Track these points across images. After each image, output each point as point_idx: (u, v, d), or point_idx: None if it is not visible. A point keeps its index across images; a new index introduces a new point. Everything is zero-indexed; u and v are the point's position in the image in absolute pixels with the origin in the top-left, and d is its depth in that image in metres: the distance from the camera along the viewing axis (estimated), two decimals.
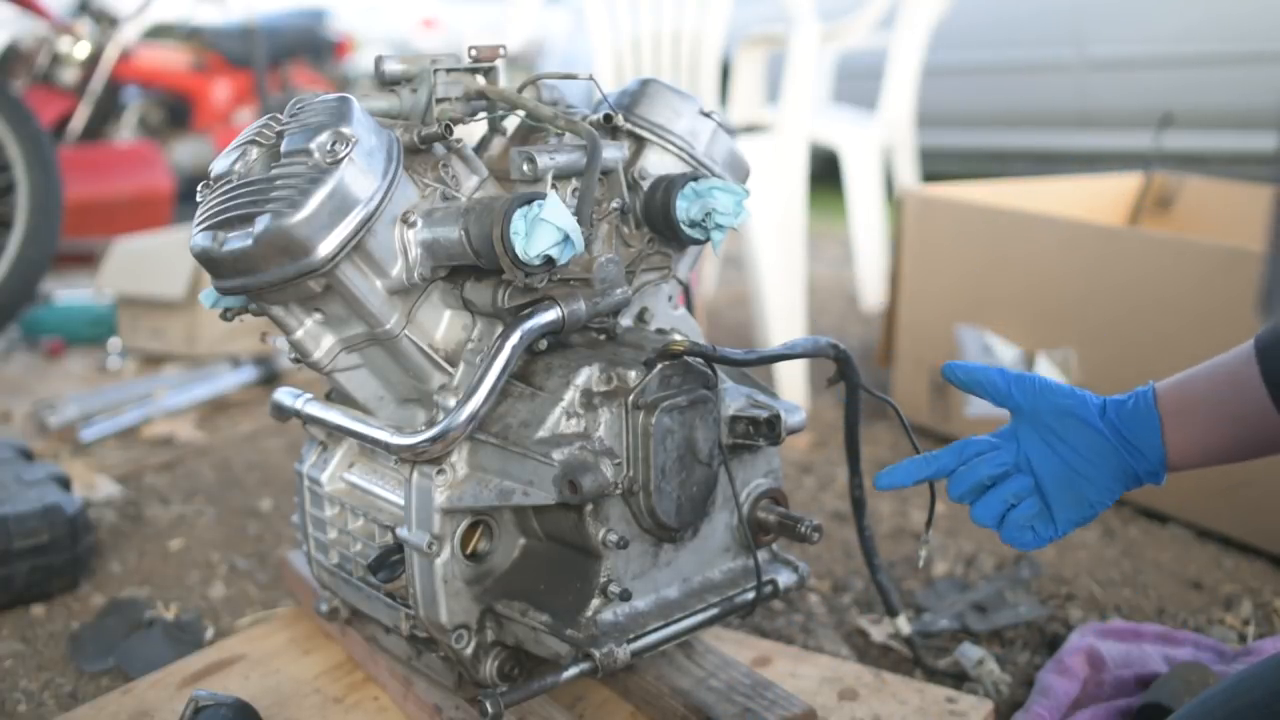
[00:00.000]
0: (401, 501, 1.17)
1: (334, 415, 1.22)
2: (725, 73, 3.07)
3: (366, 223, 1.05)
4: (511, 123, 1.31)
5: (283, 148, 1.07)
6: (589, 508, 1.09)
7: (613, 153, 1.19)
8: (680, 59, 2.90)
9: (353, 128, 1.05)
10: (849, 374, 1.26)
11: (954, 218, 2.30)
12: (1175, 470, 1.02)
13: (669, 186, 1.19)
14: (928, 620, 1.55)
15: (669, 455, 1.12)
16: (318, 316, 1.13)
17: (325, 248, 1.03)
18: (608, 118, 1.20)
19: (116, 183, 4.27)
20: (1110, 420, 1.02)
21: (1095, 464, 1.01)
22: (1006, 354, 2.12)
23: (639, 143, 1.23)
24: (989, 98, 5.15)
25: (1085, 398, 1.03)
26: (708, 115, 1.27)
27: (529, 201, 1.04)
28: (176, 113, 5.74)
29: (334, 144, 1.04)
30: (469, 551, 1.15)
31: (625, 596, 1.10)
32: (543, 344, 1.16)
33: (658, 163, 1.23)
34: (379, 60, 1.21)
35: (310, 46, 6.24)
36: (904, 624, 1.43)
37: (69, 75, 5.09)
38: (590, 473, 1.05)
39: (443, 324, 1.17)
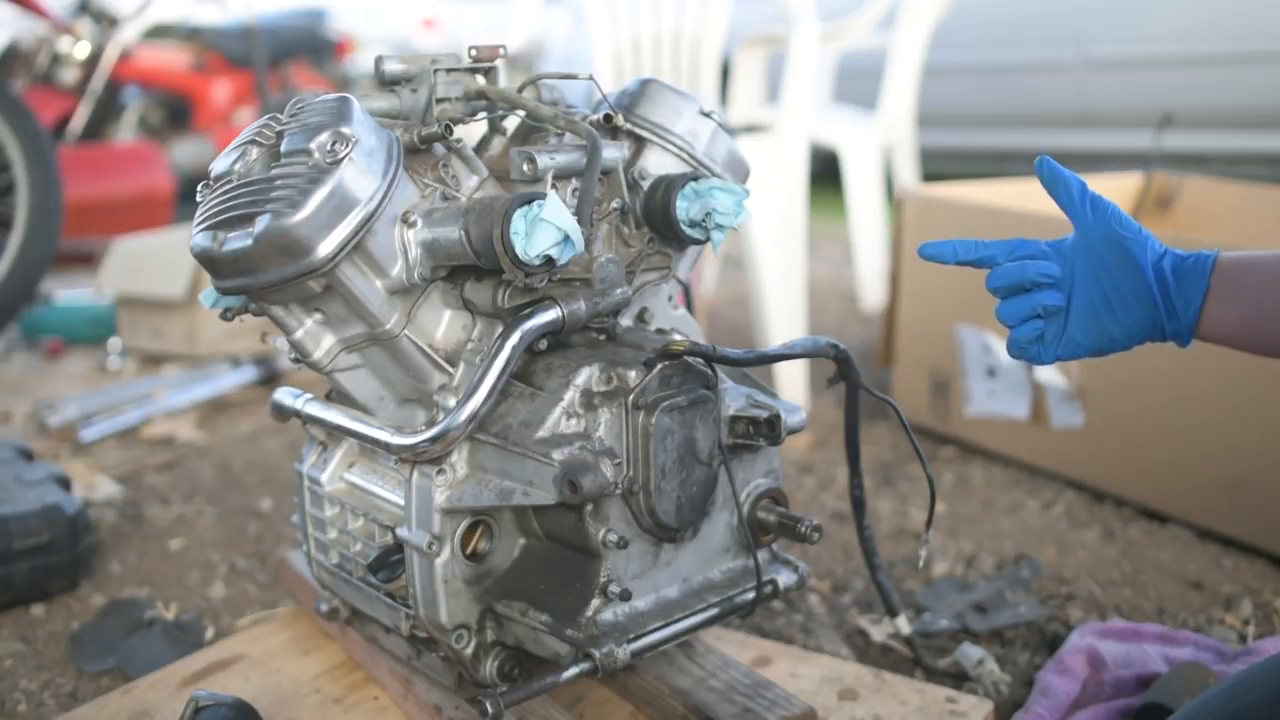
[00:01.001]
0: (401, 501, 1.17)
1: (334, 415, 1.22)
2: (725, 73, 3.07)
3: (366, 223, 1.05)
4: (511, 123, 1.31)
5: (283, 148, 1.07)
6: (589, 508, 1.09)
7: (613, 153, 1.19)
8: (680, 59, 2.90)
9: (353, 128, 1.05)
10: (849, 374, 1.26)
11: (954, 218, 2.30)
12: (1202, 340, 1.01)
13: (669, 186, 1.19)
14: (928, 620, 1.55)
15: (669, 455, 1.12)
16: (318, 316, 1.13)
17: (325, 248, 1.03)
18: (608, 118, 1.20)
19: (116, 183, 4.27)
20: (1160, 269, 1.00)
21: (1129, 303, 1.01)
22: (1006, 354, 2.12)
23: (639, 143, 1.23)
24: (989, 98, 5.15)
25: (1147, 239, 1.01)
26: (708, 115, 1.27)
27: (529, 201, 1.04)
28: (176, 113, 5.74)
29: (334, 144, 1.04)
30: (469, 551, 1.15)
31: (625, 596, 1.10)
32: (543, 344, 1.16)
33: (658, 163, 1.23)
34: (379, 60, 1.21)
35: (310, 46, 6.25)
36: (904, 624, 1.43)
37: (69, 75, 5.09)
38: (590, 473, 1.05)
39: (443, 324, 1.17)
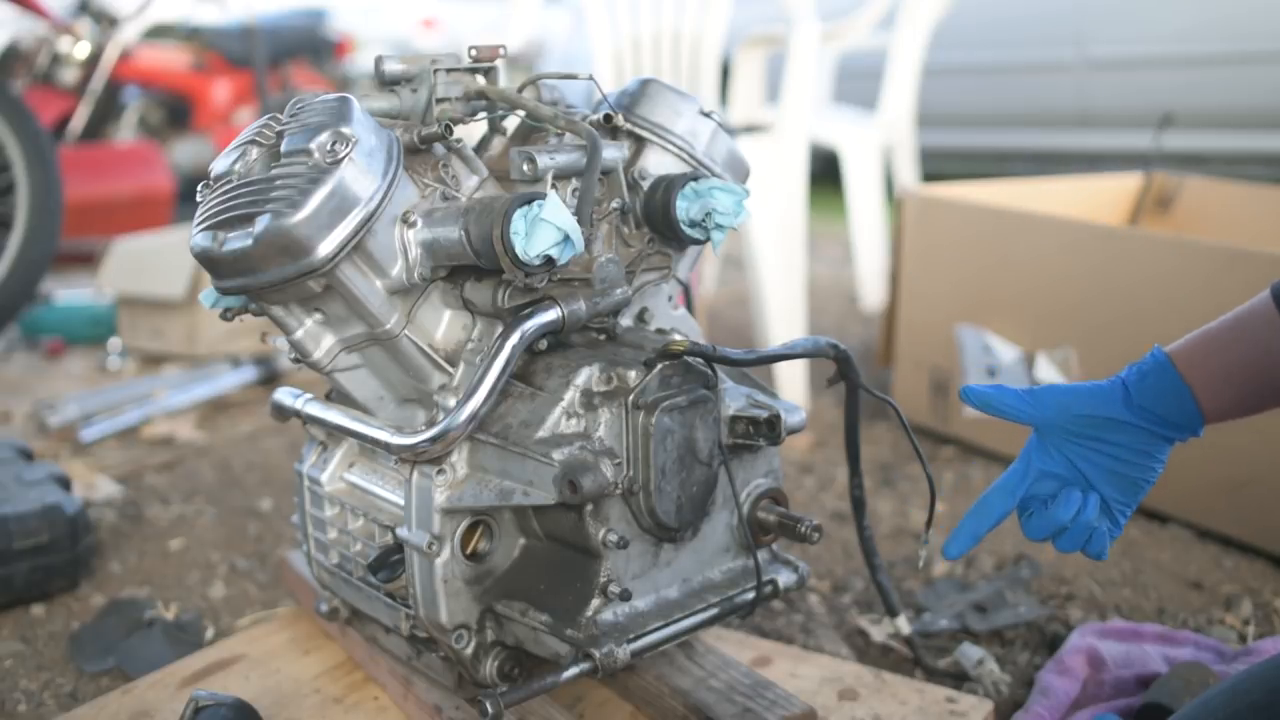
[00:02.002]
0: (401, 501, 1.17)
1: (334, 415, 1.22)
2: (725, 73, 3.07)
3: (366, 223, 1.05)
4: (511, 123, 1.31)
5: (283, 148, 1.07)
6: (589, 508, 1.09)
7: (613, 153, 1.19)
8: (680, 59, 2.90)
9: (353, 128, 1.05)
10: (849, 374, 1.25)
11: (954, 218, 2.30)
12: (1212, 424, 1.03)
13: (669, 186, 1.19)
14: (928, 620, 1.55)
15: (669, 455, 1.12)
16: (318, 316, 1.13)
17: (325, 248, 1.03)
18: (608, 118, 1.20)
19: (116, 183, 4.27)
20: (1138, 406, 1.02)
21: (1138, 452, 1.03)
22: (1006, 354, 2.12)
23: (639, 143, 1.23)
24: (989, 98, 5.15)
25: (1105, 394, 1.04)
26: (708, 115, 1.27)
27: (529, 201, 1.04)
28: (176, 113, 5.74)
29: (334, 144, 1.04)
30: (469, 551, 1.15)
31: (625, 596, 1.10)
32: (543, 344, 1.16)
33: (658, 163, 1.23)
34: (379, 60, 1.21)
35: (310, 46, 6.25)
36: (904, 624, 1.43)
37: (69, 75, 5.09)
38: (590, 473, 1.05)
39: (443, 324, 1.17)
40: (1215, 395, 1.01)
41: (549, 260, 1.05)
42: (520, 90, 1.24)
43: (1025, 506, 1.06)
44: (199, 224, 1.08)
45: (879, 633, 1.52)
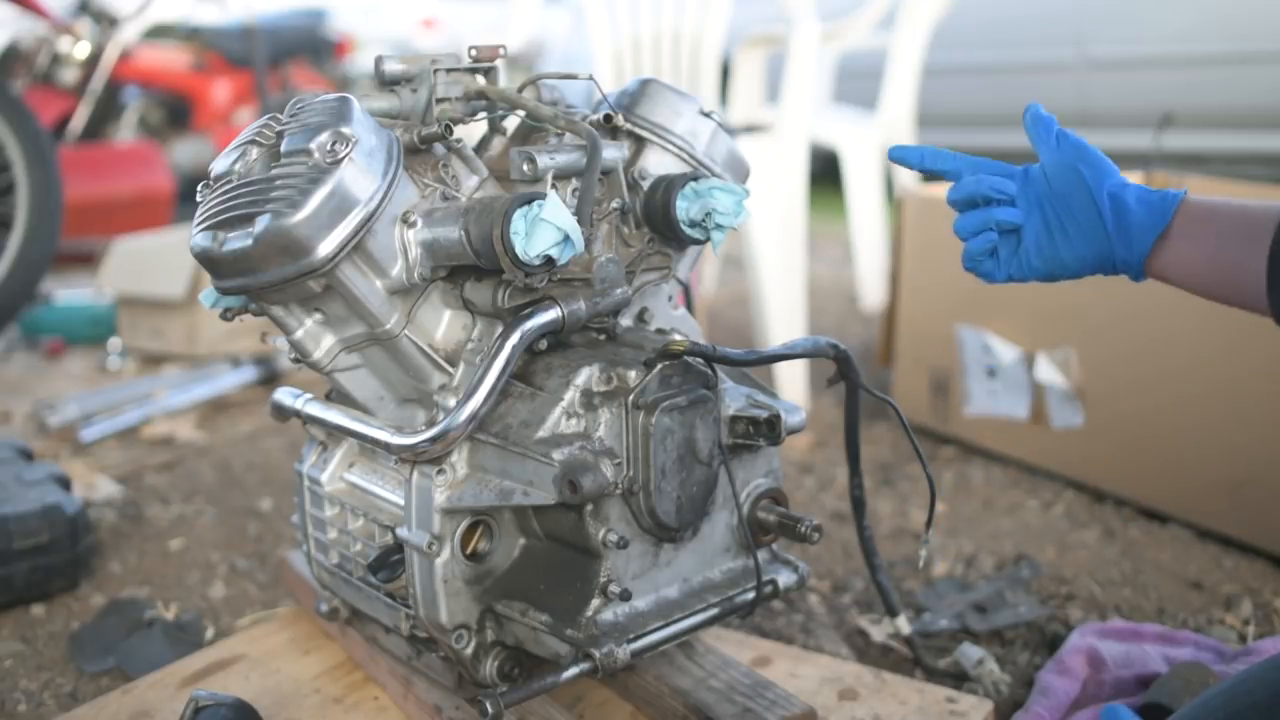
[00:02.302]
0: (401, 501, 1.17)
1: (334, 415, 1.22)
2: (725, 73, 3.07)
3: (366, 223, 1.05)
4: (511, 123, 1.31)
5: (283, 148, 1.07)
6: (589, 508, 1.09)
7: (613, 153, 1.19)
8: (680, 59, 2.90)
9: (353, 128, 1.05)
10: (849, 374, 1.25)
11: (954, 217, 2.30)
12: (1156, 277, 1.02)
13: (669, 186, 1.19)
14: (928, 620, 1.55)
15: (669, 455, 1.12)
16: (318, 316, 1.13)
17: (325, 248, 1.03)
18: (608, 118, 1.20)
19: (116, 183, 4.27)
20: (1119, 198, 1.00)
21: (1081, 227, 1.02)
22: (1006, 354, 2.12)
23: (639, 143, 1.23)
24: (989, 98, 5.15)
25: (1107, 170, 1.02)
26: (708, 115, 1.27)
27: (529, 201, 1.04)
28: (176, 113, 5.74)
29: (334, 144, 1.04)
30: (469, 551, 1.15)
31: (625, 596, 1.10)
32: (543, 344, 1.16)
33: (658, 163, 1.23)
34: (379, 60, 1.21)
35: (310, 46, 6.25)
36: (904, 624, 1.43)
37: (69, 75, 5.09)
38: (590, 473, 1.04)
39: (443, 324, 1.17)
40: (1176, 251, 0.99)
41: (549, 260, 1.05)
42: (520, 90, 1.24)
43: (969, 202, 1.08)
44: (199, 224, 1.08)
45: (879, 633, 1.52)
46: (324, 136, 1.04)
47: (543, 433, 1.10)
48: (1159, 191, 1.00)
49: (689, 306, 1.37)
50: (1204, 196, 1.00)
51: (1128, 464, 1.95)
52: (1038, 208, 1.05)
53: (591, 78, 1.25)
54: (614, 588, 1.10)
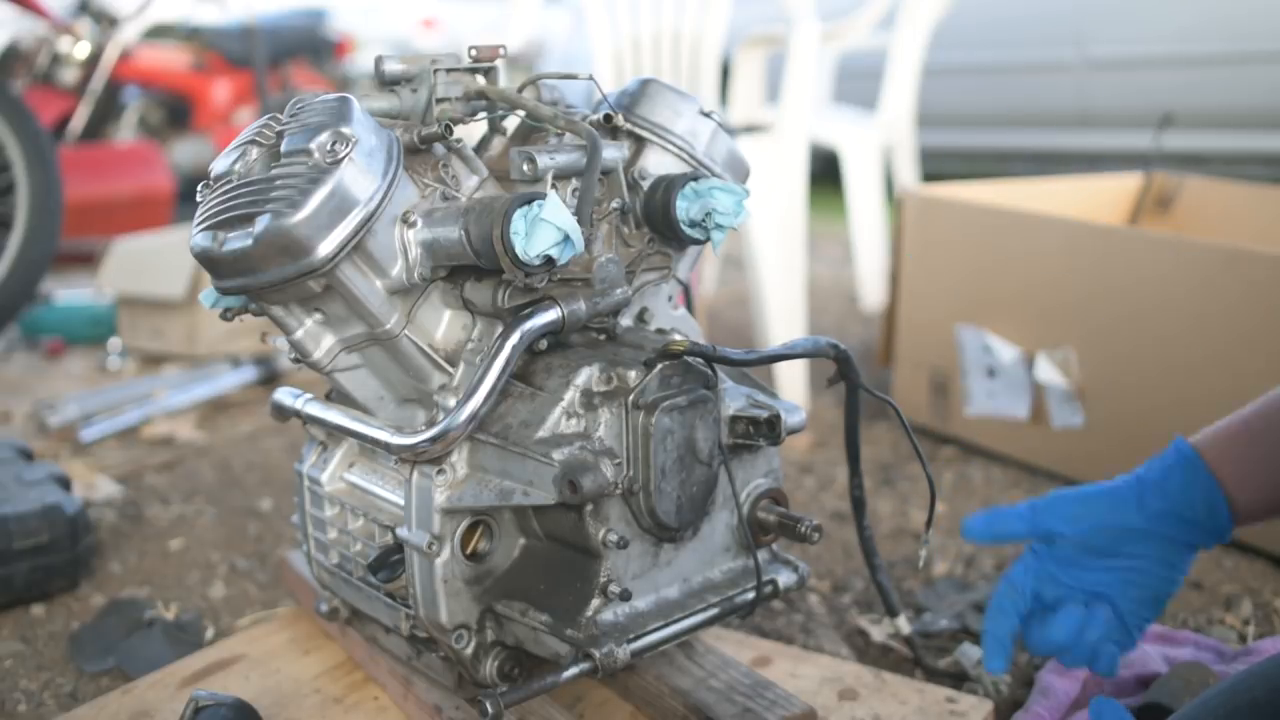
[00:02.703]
0: (401, 501, 1.17)
1: (334, 415, 1.22)
2: (725, 73, 3.07)
3: (366, 223, 1.04)
4: (511, 123, 1.30)
5: (283, 148, 1.07)
6: (589, 508, 1.09)
7: (613, 153, 1.19)
8: (680, 59, 2.90)
9: (353, 128, 1.05)
10: (849, 374, 1.25)
11: (954, 218, 2.30)
12: (1243, 526, 0.94)
13: (669, 186, 1.19)
14: (928, 620, 1.55)
15: (669, 455, 1.12)
16: (318, 316, 1.13)
17: (325, 248, 1.03)
18: (608, 118, 1.20)
19: (116, 183, 4.27)
20: (1158, 511, 0.94)
21: (1158, 562, 0.95)
22: (1006, 354, 2.12)
23: (639, 143, 1.23)
24: (989, 98, 5.16)
25: (1120, 500, 0.95)
26: (708, 115, 1.27)
27: (529, 201, 1.04)
28: (176, 113, 5.74)
29: (334, 144, 1.04)
30: (469, 551, 1.15)
31: (625, 596, 1.10)
32: (543, 344, 1.16)
33: (658, 163, 1.23)
34: (379, 60, 1.21)
35: (310, 46, 6.25)
36: (904, 624, 1.43)
37: (69, 75, 5.09)
38: (590, 473, 1.05)
39: (443, 324, 1.17)
40: (1251, 491, 0.91)
41: (549, 260, 1.05)
42: (520, 90, 1.24)
43: (1029, 616, 1.00)
44: (199, 224, 1.08)
45: (879, 633, 1.52)
46: (324, 136, 1.04)
47: (543, 433, 1.10)
48: (1164, 468, 0.92)
49: (689, 306, 1.37)
50: (1206, 432, 0.94)
51: (1128, 464, 1.94)
52: (1104, 582, 0.96)
53: (591, 78, 1.25)
54: (614, 588, 1.10)
